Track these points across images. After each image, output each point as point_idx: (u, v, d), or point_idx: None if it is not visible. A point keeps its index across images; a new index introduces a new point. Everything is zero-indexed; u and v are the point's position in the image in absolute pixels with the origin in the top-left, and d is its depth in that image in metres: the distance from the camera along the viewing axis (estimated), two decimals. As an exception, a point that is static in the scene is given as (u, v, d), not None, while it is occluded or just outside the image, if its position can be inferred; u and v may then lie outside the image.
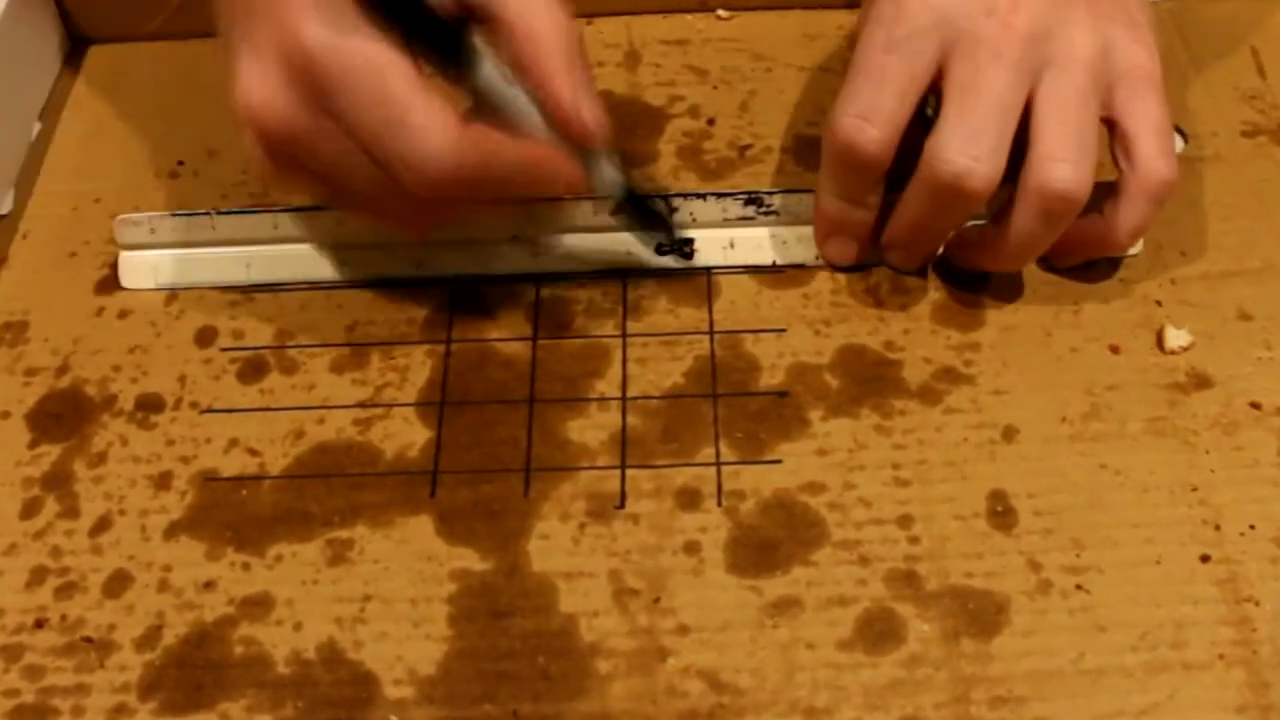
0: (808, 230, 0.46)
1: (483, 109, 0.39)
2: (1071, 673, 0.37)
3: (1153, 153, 0.41)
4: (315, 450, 0.42)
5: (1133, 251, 0.45)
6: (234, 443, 0.43)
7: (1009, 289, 0.45)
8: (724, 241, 0.46)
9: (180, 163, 0.50)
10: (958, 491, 0.41)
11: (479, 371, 0.44)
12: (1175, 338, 0.43)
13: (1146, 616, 0.38)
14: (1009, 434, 0.42)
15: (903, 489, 0.41)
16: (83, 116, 0.52)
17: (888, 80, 0.41)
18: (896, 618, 0.38)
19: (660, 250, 0.46)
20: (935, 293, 0.45)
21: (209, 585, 0.40)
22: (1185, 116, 0.49)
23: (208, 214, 0.46)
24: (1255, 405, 0.42)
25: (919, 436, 0.42)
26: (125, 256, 0.47)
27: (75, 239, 0.48)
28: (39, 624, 0.39)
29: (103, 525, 0.41)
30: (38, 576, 0.40)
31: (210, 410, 0.44)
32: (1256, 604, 0.38)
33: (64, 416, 0.44)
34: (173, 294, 0.46)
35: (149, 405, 0.44)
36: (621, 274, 0.46)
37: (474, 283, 0.46)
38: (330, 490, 0.42)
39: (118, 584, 0.40)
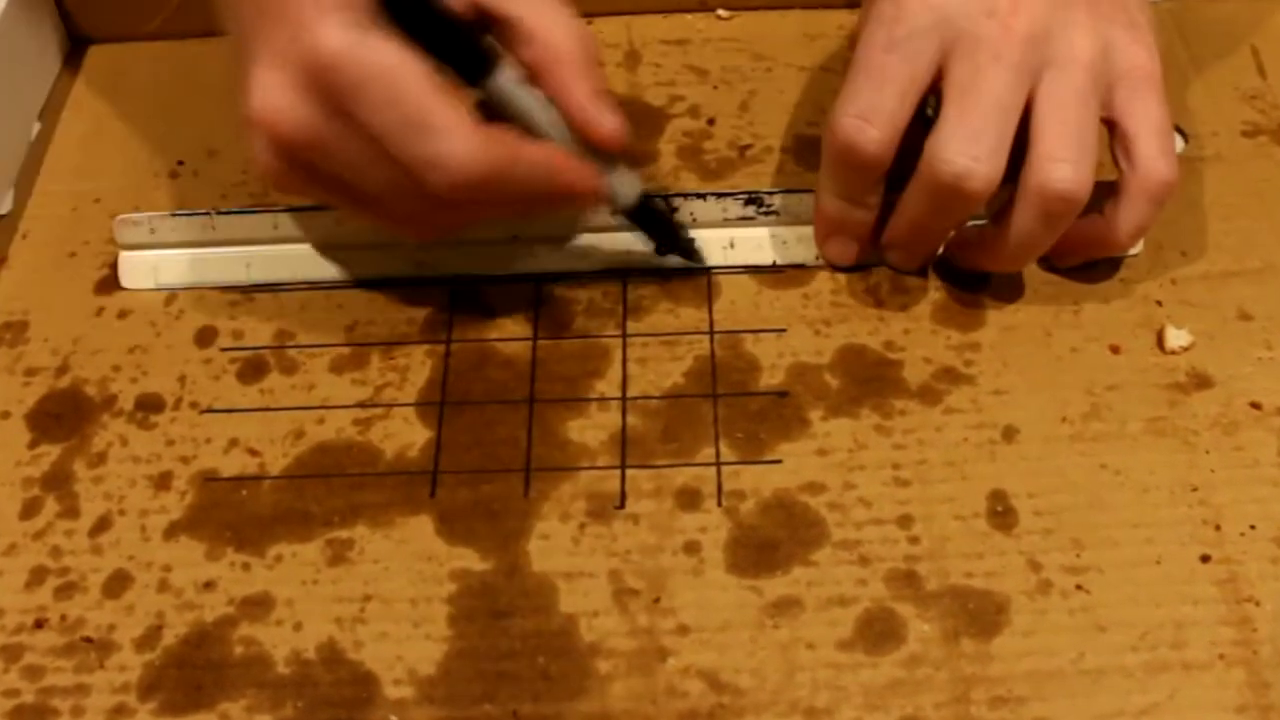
0: (808, 230, 0.46)
1: (496, 115, 0.39)
2: (1071, 673, 0.37)
3: (1153, 153, 0.41)
4: (315, 450, 0.42)
5: (1133, 251, 0.45)
6: (234, 443, 0.43)
7: (1009, 289, 0.45)
8: (724, 241, 0.46)
9: (180, 163, 0.50)
10: (958, 491, 0.41)
11: (479, 371, 0.44)
12: (1175, 338, 0.43)
13: (1147, 616, 0.38)
14: (1009, 434, 0.42)
15: (903, 489, 0.41)
16: (83, 116, 0.52)
17: (888, 80, 0.41)
18: (897, 618, 0.38)
19: (661, 250, 0.46)
20: (935, 293, 0.45)
21: (209, 585, 0.40)
22: (1185, 116, 0.49)
23: (208, 214, 0.46)
24: (1255, 405, 0.42)
25: (919, 436, 0.42)
26: (125, 256, 0.47)
27: (75, 239, 0.48)
28: (39, 624, 0.39)
29: (103, 525, 0.41)
30: (37, 576, 0.40)
31: (210, 410, 0.44)
32: (1257, 604, 0.38)
33: (64, 416, 0.44)
34: (172, 294, 0.46)
35: (149, 405, 0.44)
36: (621, 274, 0.46)
37: (474, 283, 0.46)
38: (330, 490, 0.42)
39: (117, 584, 0.40)
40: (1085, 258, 0.45)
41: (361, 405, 0.43)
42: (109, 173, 0.50)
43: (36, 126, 0.52)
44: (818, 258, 0.46)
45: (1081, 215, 0.41)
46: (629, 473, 0.42)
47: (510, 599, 0.39)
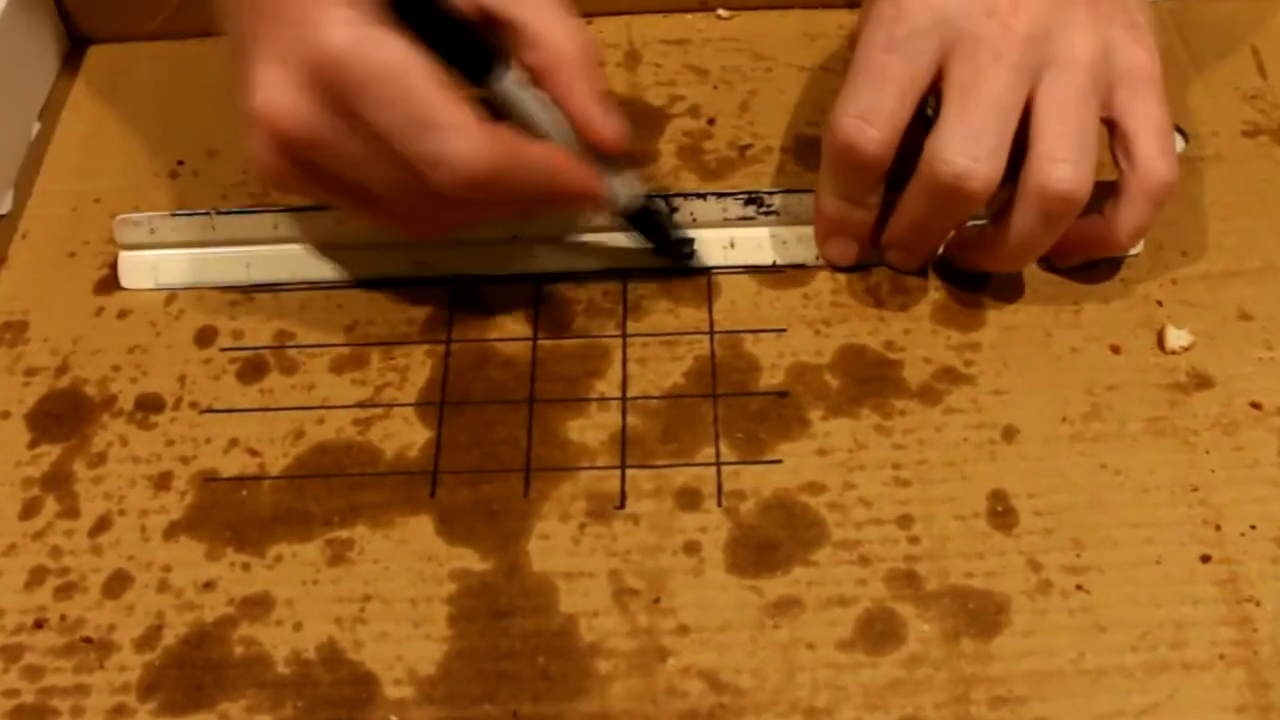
0: (808, 230, 0.46)
1: (498, 115, 0.39)
2: (1072, 673, 0.37)
3: (1153, 153, 0.41)
4: (315, 450, 0.42)
5: (1133, 251, 0.45)
6: (234, 443, 0.43)
7: (1009, 289, 0.45)
8: (724, 241, 0.46)
9: (180, 163, 0.50)
10: (958, 491, 0.41)
11: (479, 371, 0.44)
12: (1176, 338, 0.43)
13: (1147, 616, 0.38)
14: (1009, 434, 0.42)
15: (903, 489, 0.41)
16: (82, 116, 0.52)
17: (888, 80, 0.41)
18: (897, 618, 0.38)
19: (658, 252, 0.46)
20: (935, 293, 0.45)
21: (209, 585, 0.40)
22: (1186, 116, 0.49)
23: (208, 214, 0.46)
24: (1256, 405, 0.42)
25: (919, 436, 0.42)
26: (125, 256, 0.47)
27: (75, 239, 0.48)
28: (38, 624, 0.39)
29: (102, 525, 0.41)
30: (37, 577, 0.40)
31: (210, 410, 0.44)
32: (1257, 604, 0.38)
33: (64, 416, 0.44)
34: (172, 294, 0.46)
35: (149, 405, 0.44)
36: (621, 274, 0.46)
37: (474, 283, 0.46)
38: (330, 490, 0.42)
39: (117, 584, 0.40)
40: (1085, 258, 0.45)
41: (361, 405, 0.43)
42: (109, 173, 0.50)
43: (36, 126, 0.52)
44: (818, 258, 0.46)
45: (1081, 215, 0.41)
46: (629, 473, 0.42)
47: (510, 599, 0.39)
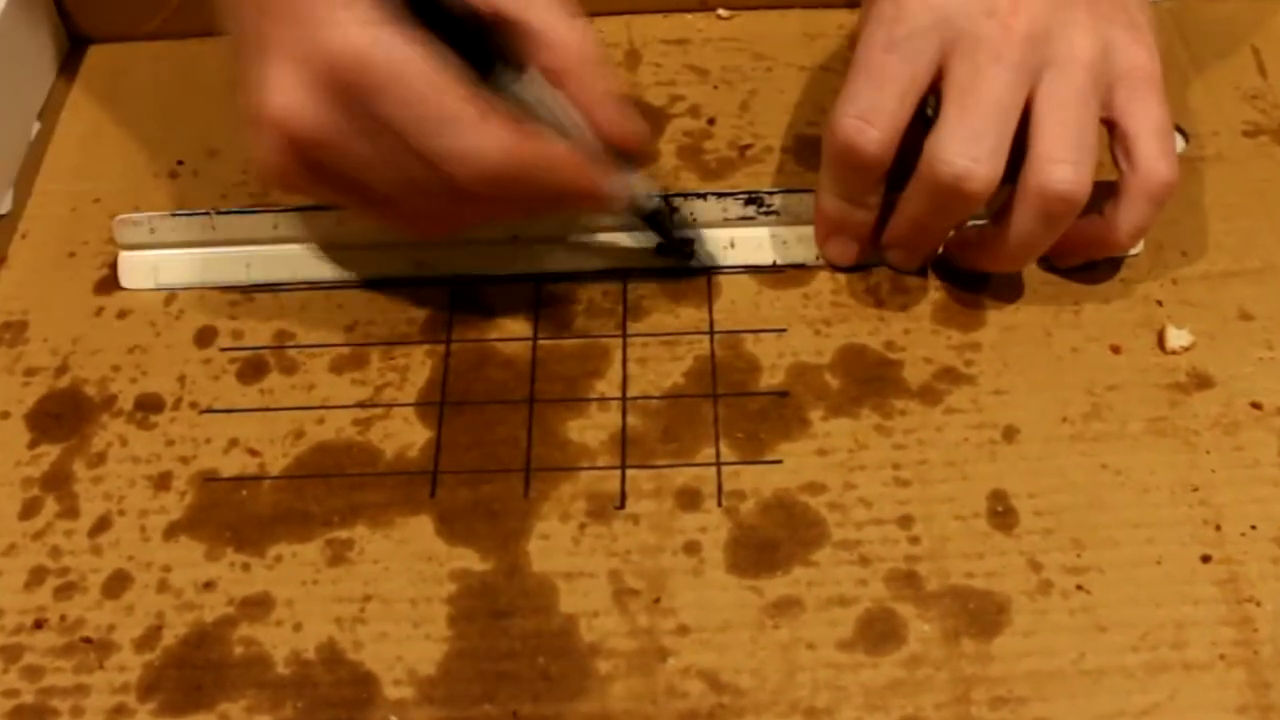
0: (808, 230, 0.46)
1: (505, 115, 0.39)
2: (1072, 673, 0.37)
3: (1153, 153, 0.41)
4: (315, 450, 0.42)
5: (1133, 251, 0.45)
6: (234, 443, 0.43)
7: (1009, 289, 0.45)
8: (724, 241, 0.46)
9: (180, 163, 0.50)
10: (958, 491, 0.41)
11: (479, 371, 0.44)
12: (1176, 338, 0.43)
13: (1147, 617, 0.38)
14: (1009, 434, 0.42)
15: (903, 489, 0.41)
16: (82, 116, 0.52)
17: (888, 81, 0.41)
18: (897, 618, 0.38)
19: (663, 250, 0.46)
20: (935, 293, 0.45)
21: (209, 585, 0.40)
22: (1186, 116, 0.49)
23: (208, 214, 0.46)
24: (1256, 405, 0.42)
25: (919, 436, 0.42)
26: (125, 256, 0.47)
27: (74, 239, 0.48)
28: (38, 624, 0.39)
29: (102, 525, 0.41)
30: (37, 577, 0.40)
31: (210, 410, 0.44)
32: (1257, 604, 0.38)
33: (63, 416, 0.44)
34: (172, 294, 0.46)
35: (148, 405, 0.44)
36: (621, 274, 0.46)
37: (474, 283, 0.46)
38: (330, 490, 0.42)
39: (117, 584, 0.40)
40: (1085, 258, 0.45)
41: (361, 405, 0.43)
42: (109, 173, 0.50)
43: (36, 126, 0.52)
44: (818, 257, 0.46)
45: (1081, 215, 0.41)
46: (629, 473, 0.42)
47: (510, 599, 0.39)
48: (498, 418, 0.43)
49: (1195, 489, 0.41)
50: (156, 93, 0.53)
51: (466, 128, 0.37)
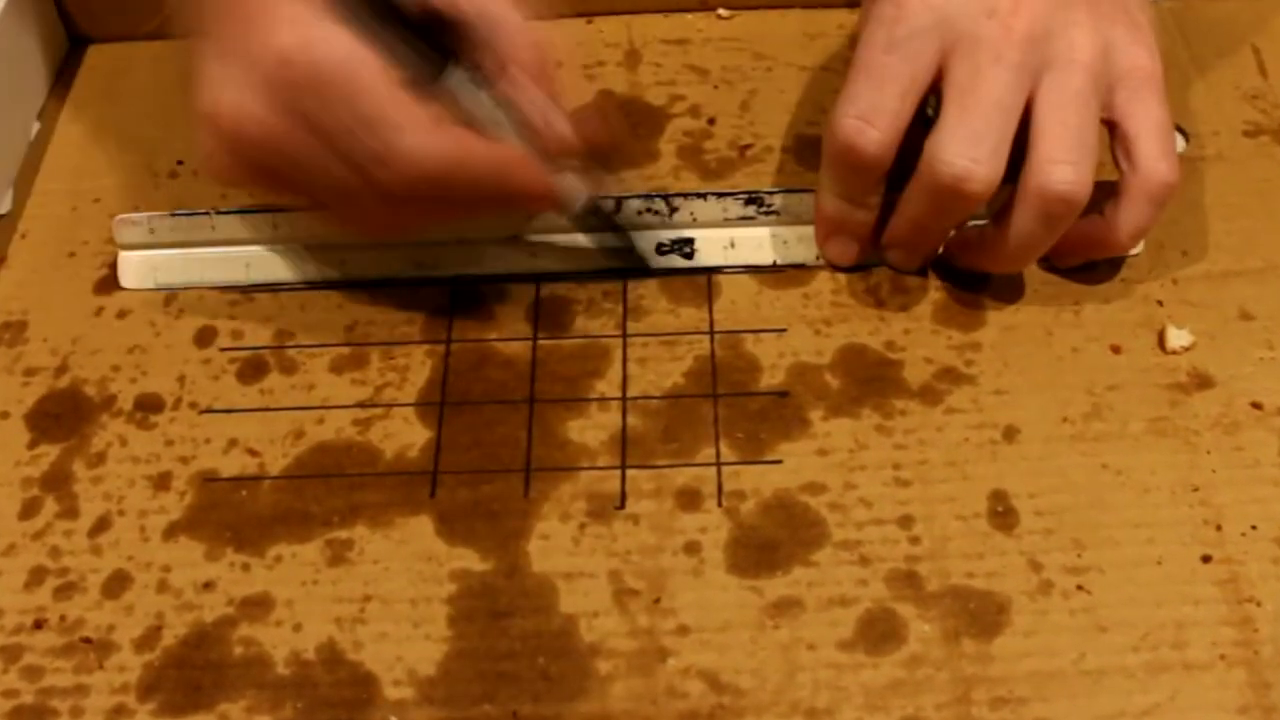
0: (808, 230, 0.46)
1: (455, 116, 0.39)
2: (1073, 673, 0.37)
3: (1154, 154, 0.41)
4: (315, 450, 0.42)
5: (1134, 251, 0.45)
6: (233, 443, 0.43)
7: (1010, 289, 0.45)
8: (724, 241, 0.46)
9: (180, 163, 0.50)
10: (959, 491, 0.41)
11: (479, 371, 0.44)
12: (1176, 338, 0.43)
13: (1148, 617, 0.38)
14: (1010, 434, 0.42)
15: (903, 489, 0.41)
16: (82, 116, 0.52)
17: (888, 81, 0.41)
18: (897, 618, 0.38)
19: (660, 250, 0.46)
20: (936, 292, 0.45)
21: (208, 586, 0.40)
22: (1187, 116, 0.49)
23: (207, 214, 0.46)
24: (1257, 405, 0.42)
25: (920, 436, 0.42)
26: (124, 256, 0.47)
27: (74, 239, 0.48)
28: (38, 624, 0.39)
29: (102, 525, 0.41)
30: (37, 577, 0.40)
31: (209, 410, 0.43)
32: (1258, 604, 0.38)
33: (63, 416, 0.44)
34: (172, 294, 0.46)
35: (148, 405, 0.44)
36: (621, 274, 0.46)
37: (474, 283, 0.46)
38: (330, 490, 0.42)
39: (117, 584, 0.40)
40: (1085, 258, 0.45)
41: (361, 405, 0.43)
42: (109, 173, 0.50)
43: (36, 126, 0.52)
44: (818, 257, 0.46)
45: (1082, 216, 0.41)
46: (629, 473, 0.41)
47: (510, 599, 0.39)
48: (498, 418, 0.43)
49: (1196, 489, 0.40)
50: (156, 93, 0.52)
51: (391, 129, 0.37)
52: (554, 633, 0.39)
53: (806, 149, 0.49)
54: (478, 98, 0.39)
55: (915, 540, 0.40)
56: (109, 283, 0.47)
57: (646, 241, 0.46)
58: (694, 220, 0.46)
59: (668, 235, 0.46)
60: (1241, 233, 0.46)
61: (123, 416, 0.43)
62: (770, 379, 0.43)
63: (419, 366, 0.44)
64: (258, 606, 0.39)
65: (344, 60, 0.36)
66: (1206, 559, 0.39)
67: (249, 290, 0.46)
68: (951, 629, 0.38)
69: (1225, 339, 0.44)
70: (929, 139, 0.40)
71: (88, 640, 0.39)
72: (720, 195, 0.46)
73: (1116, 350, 0.44)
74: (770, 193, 0.46)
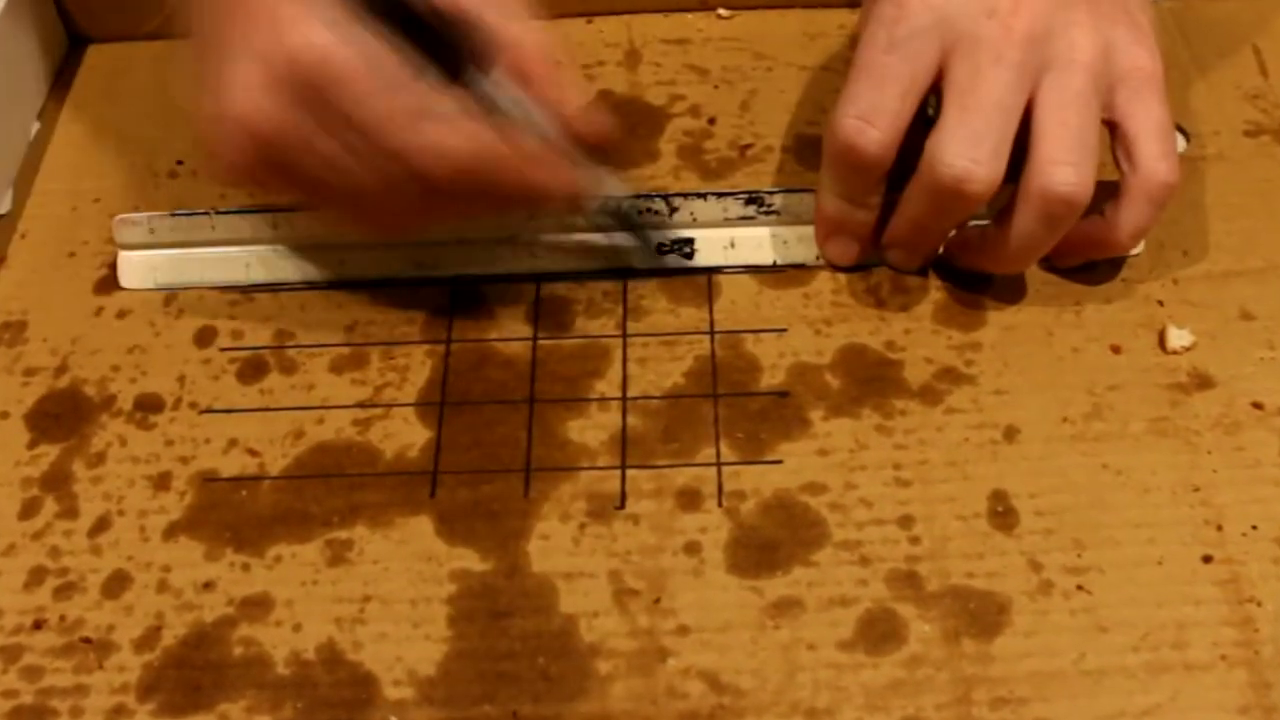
0: (809, 230, 0.46)
1: (470, 115, 0.39)
2: (1073, 673, 0.37)
3: (1154, 154, 0.41)
4: (315, 450, 0.42)
5: (1134, 251, 0.45)
6: (233, 443, 0.43)
7: (1010, 289, 0.45)
8: (725, 241, 0.46)
9: (180, 162, 0.50)
10: (959, 492, 0.41)
11: (479, 371, 0.44)
12: (1177, 338, 0.43)
13: (1148, 617, 0.38)
14: (1010, 434, 0.42)
15: (904, 489, 0.41)
16: (82, 116, 0.52)
17: (889, 81, 0.41)
18: (898, 618, 0.38)
19: (661, 250, 0.46)
20: (936, 293, 0.45)
21: (208, 586, 0.40)
22: (1187, 116, 0.49)
23: (207, 214, 0.46)
24: (1257, 405, 0.42)
25: (920, 436, 0.42)
26: (124, 256, 0.47)
27: (74, 239, 0.48)
28: (38, 625, 0.39)
29: (102, 526, 0.41)
30: (36, 577, 0.40)
31: (209, 410, 0.43)
32: (1258, 604, 0.38)
33: (63, 416, 0.44)
34: (172, 294, 0.46)
35: (148, 405, 0.44)
36: (621, 274, 0.46)
37: (474, 283, 0.46)
38: (330, 490, 0.42)
39: (117, 584, 0.40)
40: (1086, 258, 0.45)
41: (361, 405, 0.43)
42: (109, 173, 0.50)
43: (35, 126, 0.52)
44: (818, 257, 0.46)
45: (1082, 216, 0.41)
46: (629, 473, 0.41)
47: (510, 599, 0.39)
48: (498, 418, 0.43)
49: (1196, 489, 0.40)
50: (156, 93, 0.52)
51: (435, 122, 0.37)
52: (554, 633, 0.39)
53: (807, 149, 0.49)
54: (490, 95, 0.39)
55: (915, 540, 0.40)
56: (109, 283, 0.47)
57: (653, 241, 0.46)
58: (694, 220, 0.46)
59: (668, 235, 0.46)
60: (1242, 233, 0.46)
61: (122, 416, 0.43)
62: (770, 379, 0.43)
63: (419, 366, 0.44)
64: (258, 606, 0.39)
65: (360, 57, 0.37)
66: (1207, 559, 0.39)
67: (249, 290, 0.46)
68: (952, 629, 0.38)
69: (1226, 339, 0.44)
70: (929, 140, 0.40)
71: (87, 640, 0.39)
72: (720, 195, 0.46)
73: (1117, 350, 0.44)
74: (770, 193, 0.46)
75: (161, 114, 0.51)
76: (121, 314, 0.46)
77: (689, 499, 0.41)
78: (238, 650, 0.39)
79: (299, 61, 0.36)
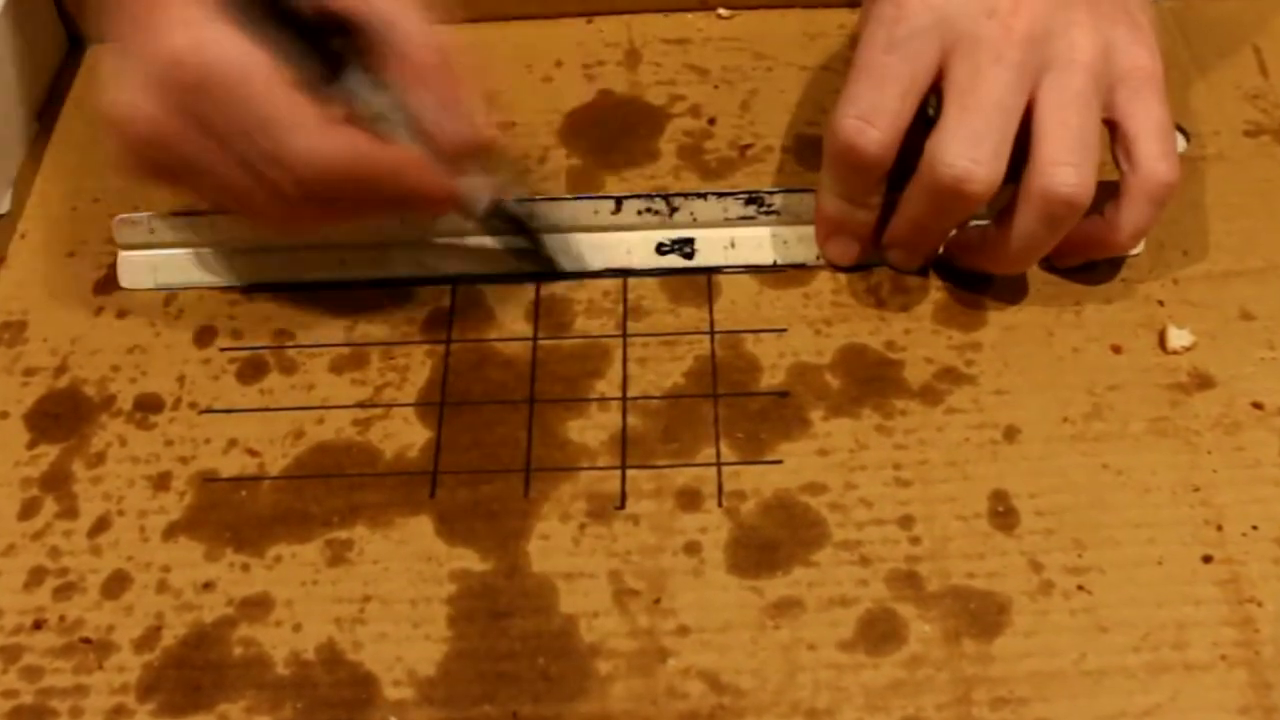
0: (809, 230, 0.46)
1: (351, 117, 0.39)
2: (1073, 673, 0.37)
3: (1154, 154, 0.41)
4: (315, 450, 0.42)
5: (1134, 251, 0.45)
6: (233, 443, 0.43)
7: (1010, 289, 0.45)
8: (725, 241, 0.46)
9: (180, 162, 0.50)
10: (959, 492, 0.41)
11: (479, 371, 0.44)
12: (1177, 338, 0.43)
13: (1148, 617, 0.38)
14: (1010, 434, 0.42)
15: (904, 489, 0.41)
16: (82, 116, 0.52)
17: (889, 81, 0.41)
18: (898, 618, 0.38)
19: (661, 250, 0.46)
20: (936, 292, 0.45)
21: (208, 586, 0.40)
22: (1188, 116, 0.49)
23: (207, 214, 0.46)
24: (1257, 405, 0.42)
25: (920, 436, 0.42)
26: (124, 256, 0.47)
27: (74, 239, 0.48)
28: (37, 625, 0.39)
29: (101, 526, 0.41)
30: (36, 577, 0.40)
31: (209, 410, 0.43)
32: (1259, 604, 0.38)
33: (63, 417, 0.44)
34: (172, 294, 0.46)
35: (148, 405, 0.44)
36: (621, 274, 0.46)
37: (474, 282, 0.46)
38: (330, 490, 0.41)
39: (116, 585, 0.40)
40: (1086, 258, 0.45)
41: (361, 405, 0.43)
42: (108, 173, 0.50)
43: (35, 126, 0.52)
44: (818, 257, 0.46)
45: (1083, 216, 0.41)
46: (629, 473, 0.41)
47: (510, 599, 0.39)
48: (498, 418, 0.43)
49: (1196, 489, 0.40)
50: (156, 92, 0.52)
51: (284, 131, 0.37)
52: (554, 633, 0.38)
53: (807, 149, 0.49)
54: (372, 99, 0.39)
55: (915, 540, 0.40)
56: (109, 283, 0.47)
57: (556, 243, 0.45)
58: (694, 220, 0.46)
59: (668, 235, 0.46)
60: (1242, 233, 0.46)
61: (122, 416, 0.43)
62: (770, 379, 0.43)
63: (419, 366, 0.44)
64: (257, 607, 0.39)
65: (236, 61, 0.37)
66: (1207, 559, 0.39)
67: (249, 290, 0.46)
68: (952, 629, 0.38)
69: (1226, 339, 0.44)
70: (930, 140, 0.40)
71: (87, 640, 0.39)
72: (720, 195, 0.46)
73: (1117, 350, 0.44)
74: (770, 193, 0.46)
75: (161, 114, 0.51)
76: (121, 314, 0.46)
77: (689, 499, 0.41)
78: (237, 650, 0.39)
79: (180, 64, 0.37)
